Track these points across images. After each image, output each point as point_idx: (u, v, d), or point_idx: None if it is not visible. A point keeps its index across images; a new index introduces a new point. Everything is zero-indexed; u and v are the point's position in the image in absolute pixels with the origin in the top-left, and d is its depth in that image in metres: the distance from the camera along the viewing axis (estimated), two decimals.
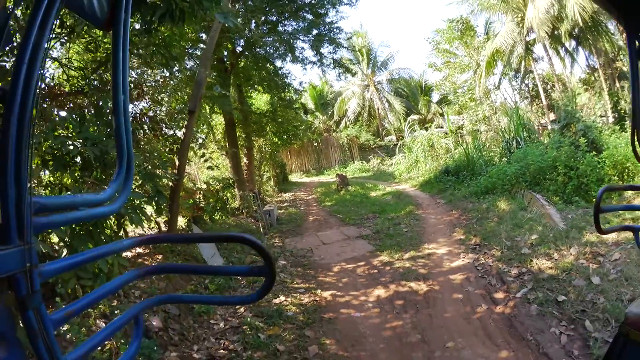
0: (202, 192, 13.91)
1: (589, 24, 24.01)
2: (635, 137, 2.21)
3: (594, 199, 10.90)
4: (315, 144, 45.38)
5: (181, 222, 11.85)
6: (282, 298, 7.85)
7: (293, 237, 13.89)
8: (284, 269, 9.90)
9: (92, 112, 7.23)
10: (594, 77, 31.10)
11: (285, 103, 22.41)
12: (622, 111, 25.02)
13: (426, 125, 33.07)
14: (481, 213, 12.83)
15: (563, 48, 30.42)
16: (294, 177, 41.12)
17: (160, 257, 8.70)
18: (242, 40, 17.45)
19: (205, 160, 14.23)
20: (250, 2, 16.73)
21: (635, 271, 6.57)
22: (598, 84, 28.93)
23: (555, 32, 26.82)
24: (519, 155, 15.86)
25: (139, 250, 8.82)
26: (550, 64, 30.54)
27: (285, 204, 22.22)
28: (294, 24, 18.86)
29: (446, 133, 29.43)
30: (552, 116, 30.11)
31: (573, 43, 30.17)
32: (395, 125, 47.20)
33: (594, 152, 13.36)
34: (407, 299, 7.56)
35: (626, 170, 12.59)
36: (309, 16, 18.39)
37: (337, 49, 20.18)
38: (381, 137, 47.28)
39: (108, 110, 6.94)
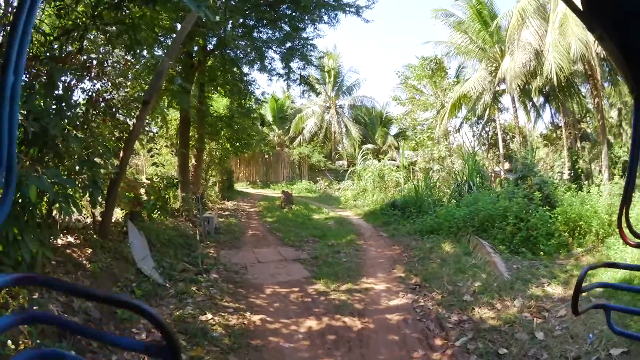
0: (144, 188, 13.30)
1: (563, 84, 24.44)
2: (623, 218, 1.94)
3: (542, 253, 11.87)
4: (266, 157, 44.85)
5: (119, 214, 11.42)
6: (209, 316, 7.40)
7: (229, 250, 13.35)
8: (214, 284, 9.42)
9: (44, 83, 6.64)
10: (556, 134, 32.44)
11: (244, 111, 22.12)
12: (580, 170, 25.96)
13: (379, 156, 33.02)
14: (424, 252, 12.52)
15: (530, 102, 31.73)
16: (239, 186, 40.51)
17: (89, 250, 8.15)
18: (214, 38, 17.17)
19: (152, 156, 13.62)
20: (232, 2, 16.34)
21: (582, 329, 6.42)
22: (560, 141, 29.85)
23: (526, 87, 27.45)
24: (470, 200, 15.84)
25: (70, 239, 8.34)
26: (515, 116, 31.21)
27: (227, 213, 21.78)
28: (270, 32, 18.55)
29: (398, 167, 29.28)
30: (507, 165, 30.62)
31: (541, 99, 31.52)
32: (348, 151, 47.37)
33: (547, 207, 13.50)
34: (340, 335, 7.23)
35: (578, 229, 12.70)
36: (286, 27, 18.09)
37: (306, 66, 19.86)
38: (333, 161, 47.32)
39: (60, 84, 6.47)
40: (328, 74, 46.12)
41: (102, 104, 8.87)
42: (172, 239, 12.01)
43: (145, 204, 12.56)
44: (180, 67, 16.76)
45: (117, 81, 9.57)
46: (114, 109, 9.35)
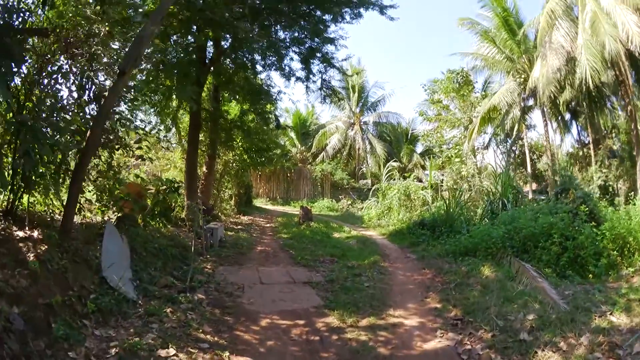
0: (140, 189, 11.99)
1: (593, 93, 24.29)
2: None
3: (591, 275, 10.49)
4: (287, 173, 43.98)
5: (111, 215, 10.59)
6: (172, 351, 5.48)
7: (229, 266, 11.50)
8: (196, 306, 7.51)
9: None
10: (582, 152, 32.24)
11: (256, 110, 20.57)
12: (611, 187, 25.51)
13: (404, 174, 31.59)
14: (460, 277, 10.50)
15: (559, 117, 31.62)
16: (258, 202, 39.43)
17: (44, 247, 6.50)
18: (230, 37, 15.79)
19: (140, 157, 11.82)
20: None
21: None
22: (586, 159, 30.22)
23: (556, 100, 27.66)
24: (506, 218, 13.93)
25: (35, 233, 6.94)
26: (545, 130, 30.67)
27: (239, 227, 20.19)
28: (289, 32, 17.08)
29: (425, 186, 28.13)
30: (534, 186, 32.39)
31: (568, 115, 31.80)
32: (373, 169, 46.33)
33: (593, 223, 11.81)
34: None
35: (627, 246, 11.11)
36: (307, 26, 16.54)
37: (328, 68, 18.11)
38: (356, 179, 46.37)
39: None
40: (352, 89, 45.91)
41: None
42: (165, 248, 10.32)
43: (134, 208, 11.05)
44: (186, 58, 15.47)
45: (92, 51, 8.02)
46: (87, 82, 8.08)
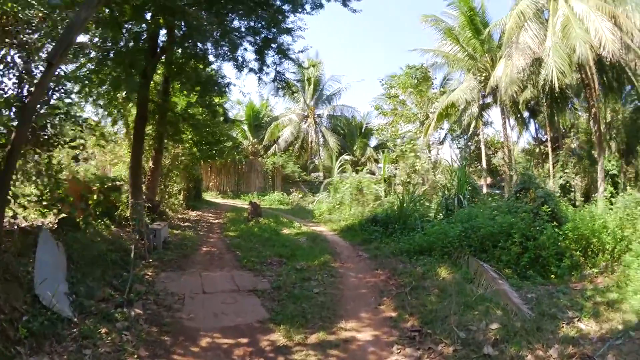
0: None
1: (556, 94, 25.18)
2: None
3: (553, 275, 10.44)
4: (238, 166, 43.40)
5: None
6: None
7: (172, 272, 10.87)
8: (134, 324, 6.87)
9: None
10: (539, 149, 34.49)
11: (203, 102, 19.78)
12: (568, 185, 26.14)
13: (357, 168, 31.61)
14: (416, 279, 10.11)
15: (518, 115, 33.26)
16: (208, 196, 38.70)
17: None
18: (182, 24, 15.03)
19: (73, 148, 11.16)
20: None
21: None
22: (542, 156, 32.52)
23: (516, 99, 28.84)
24: (463, 216, 13.87)
25: None
26: (503, 127, 31.55)
27: (186, 224, 19.57)
28: (245, 21, 16.30)
29: (378, 180, 28.15)
30: (489, 180, 33.56)
31: (526, 114, 33.76)
32: (325, 162, 46.22)
33: (554, 223, 11.92)
34: None
35: (591, 247, 11.27)
36: (264, 15, 15.84)
37: (282, 60, 17.53)
38: (308, 172, 46.06)
39: None
40: (308, 82, 45.78)
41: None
42: (105, 254, 9.64)
43: (71, 211, 10.65)
44: (136, 46, 14.74)
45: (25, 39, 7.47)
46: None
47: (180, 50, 16.61)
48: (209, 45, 16.20)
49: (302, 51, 18.34)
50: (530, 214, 12.33)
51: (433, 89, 36.69)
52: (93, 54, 13.64)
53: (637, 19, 20.29)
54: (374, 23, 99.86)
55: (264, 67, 17.06)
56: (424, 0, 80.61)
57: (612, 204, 13.47)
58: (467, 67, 31.64)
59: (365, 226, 18.21)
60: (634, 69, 22.81)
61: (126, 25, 14.13)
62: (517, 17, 23.37)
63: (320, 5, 15.99)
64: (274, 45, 16.56)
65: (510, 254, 11.16)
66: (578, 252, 11.08)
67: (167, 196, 22.07)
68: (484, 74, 30.39)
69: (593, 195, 21.97)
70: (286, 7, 15.77)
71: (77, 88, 13.79)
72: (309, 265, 12.05)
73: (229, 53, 16.33)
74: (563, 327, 6.87)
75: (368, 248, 14.82)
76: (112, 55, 14.02)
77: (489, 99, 32.32)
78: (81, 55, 13.39)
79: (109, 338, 6.15)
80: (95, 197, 12.84)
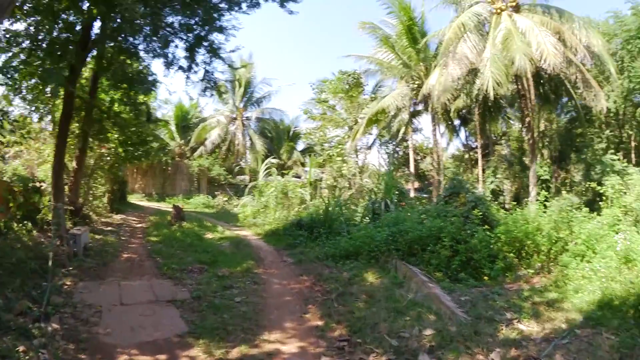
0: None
1: (489, 104, 26.73)
2: None
3: (486, 277, 10.59)
4: (164, 168, 43.01)
5: None
6: None
7: (90, 281, 10.32)
8: (50, 340, 6.40)
9: None
10: (469, 156, 35.64)
11: (130, 100, 19.51)
12: (499, 189, 28.65)
13: (283, 172, 31.35)
14: (343, 285, 10.01)
15: (449, 122, 34.67)
16: (134, 198, 38.20)
17: None
18: (116, 17, 14.22)
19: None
20: None
21: None
22: (472, 162, 33.57)
23: (447, 107, 30.28)
24: (391, 220, 13.96)
25: None
26: (433, 134, 32.48)
27: (109, 228, 18.96)
28: (179, 17, 15.89)
29: (304, 183, 27.84)
30: (416, 184, 34.55)
31: (457, 121, 35.24)
32: (251, 165, 46.32)
33: (486, 226, 12.11)
34: None
35: (525, 248, 11.44)
36: (199, 11, 15.53)
37: (213, 59, 17.21)
38: (234, 175, 46.08)
39: None
40: (239, 83, 45.71)
41: None
42: (24, 262, 9.18)
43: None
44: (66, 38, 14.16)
45: None
46: None
47: (111, 44, 16.16)
48: (140, 39, 15.79)
49: (233, 51, 18.12)
50: (460, 218, 12.50)
51: (364, 95, 37.01)
52: (26, 43, 13.05)
53: (583, 35, 21.72)
54: (311, 27, 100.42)
55: (193, 66, 16.76)
56: (362, 7, 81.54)
57: (546, 207, 13.78)
58: (401, 75, 32.24)
59: (289, 230, 18.16)
60: (574, 81, 23.55)
61: (63, 16, 13.71)
62: (457, 28, 23.69)
63: (257, 4, 15.92)
64: (205, 44, 16.31)
65: (440, 258, 11.27)
66: (512, 254, 11.26)
67: (90, 198, 21.39)
68: (416, 82, 31.03)
69: (525, 199, 22.76)
70: (223, 4, 15.60)
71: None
72: (231, 272, 11.77)
73: (159, 49, 16.02)
74: (502, 329, 6.87)
75: (293, 253, 14.76)
76: (44, 45, 13.49)
77: (420, 107, 33.05)
78: (14, 45, 12.84)
79: (27, 357, 5.74)
80: (16, 199, 12.41)
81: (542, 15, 22.85)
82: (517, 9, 23.71)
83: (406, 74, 31.80)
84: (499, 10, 23.39)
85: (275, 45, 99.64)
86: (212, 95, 18.09)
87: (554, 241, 11.28)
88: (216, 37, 16.28)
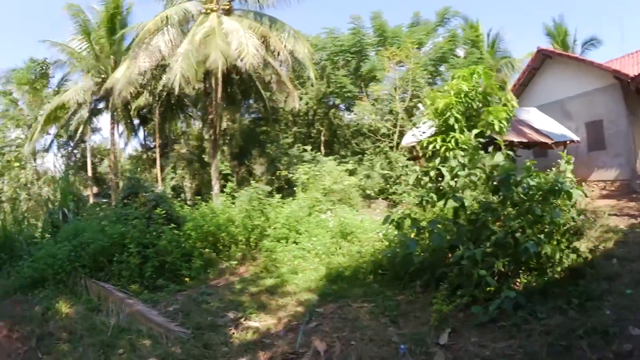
0: None
1: (172, 101, 28.35)
2: None
3: (187, 279, 10.34)
4: None
5: None
6: None
7: None
8: None
9: None
10: (147, 155, 35.66)
11: None
12: (179, 186, 30.50)
13: None
14: (39, 325, 7.47)
15: (129, 121, 33.99)
16: None
17: None
18: None
19: None
20: None
21: None
22: (150, 161, 33.96)
23: (128, 106, 30.37)
24: (69, 232, 11.78)
25: None
26: (111, 133, 31.40)
27: None
28: None
29: None
30: (95, 189, 34.16)
31: (137, 121, 34.81)
32: None
33: (172, 225, 12.04)
34: None
35: (220, 241, 11.99)
36: None
37: None
38: None
39: None
40: None
41: None
42: None
43: None
44: None
45: None
46: None
47: None
48: None
49: None
50: (143, 220, 11.88)
51: (50, 87, 33.62)
52: None
53: (290, 43, 23.08)
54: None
55: None
56: None
57: (234, 198, 14.26)
58: (88, 68, 29.92)
59: None
60: (269, 82, 25.13)
61: None
62: (159, 19, 22.66)
63: None
64: None
65: (130, 267, 10.27)
66: (207, 250, 11.37)
67: None
68: (102, 76, 29.02)
69: (206, 194, 23.21)
70: None
71: None
72: None
73: None
74: (234, 333, 6.30)
75: None
76: None
77: (102, 105, 31.75)
78: None
79: None
80: None
81: (253, 21, 23.56)
82: (228, 12, 24.02)
83: (94, 67, 29.73)
84: (209, 11, 23.36)
85: None
86: None
87: (250, 229, 11.98)
88: None
